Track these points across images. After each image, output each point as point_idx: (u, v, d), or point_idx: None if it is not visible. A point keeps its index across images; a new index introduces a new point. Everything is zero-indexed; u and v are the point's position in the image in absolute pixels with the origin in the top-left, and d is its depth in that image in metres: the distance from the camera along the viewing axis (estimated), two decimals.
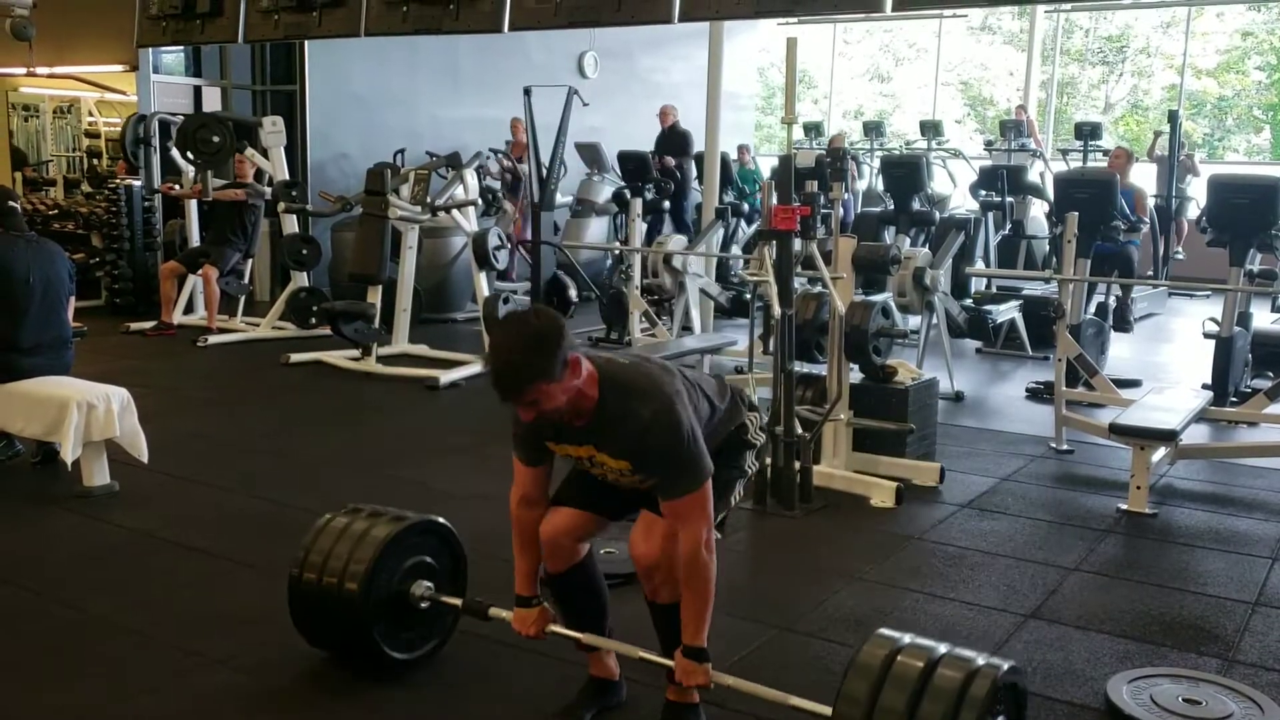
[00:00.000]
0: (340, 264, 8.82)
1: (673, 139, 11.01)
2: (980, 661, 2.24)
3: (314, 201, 8.81)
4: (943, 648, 2.30)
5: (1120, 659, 3.19)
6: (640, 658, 2.60)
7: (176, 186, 8.96)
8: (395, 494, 3.01)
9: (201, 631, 3.26)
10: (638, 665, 2.86)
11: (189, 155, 8.30)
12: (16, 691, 2.92)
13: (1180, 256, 11.29)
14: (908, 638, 2.34)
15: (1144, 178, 10.15)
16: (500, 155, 10.73)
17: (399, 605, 2.90)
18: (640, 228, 7.97)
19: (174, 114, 9.49)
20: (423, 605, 2.91)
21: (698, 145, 10.05)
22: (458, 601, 2.91)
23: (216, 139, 8.17)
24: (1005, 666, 2.24)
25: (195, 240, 9.01)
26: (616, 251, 9.07)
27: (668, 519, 2.46)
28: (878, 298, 5.32)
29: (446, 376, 6.79)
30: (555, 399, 2.33)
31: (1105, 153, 10.89)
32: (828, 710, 2.30)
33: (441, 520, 3.04)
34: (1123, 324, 7.40)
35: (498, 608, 2.82)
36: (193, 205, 9.07)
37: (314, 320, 8.00)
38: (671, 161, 10.58)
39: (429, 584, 2.93)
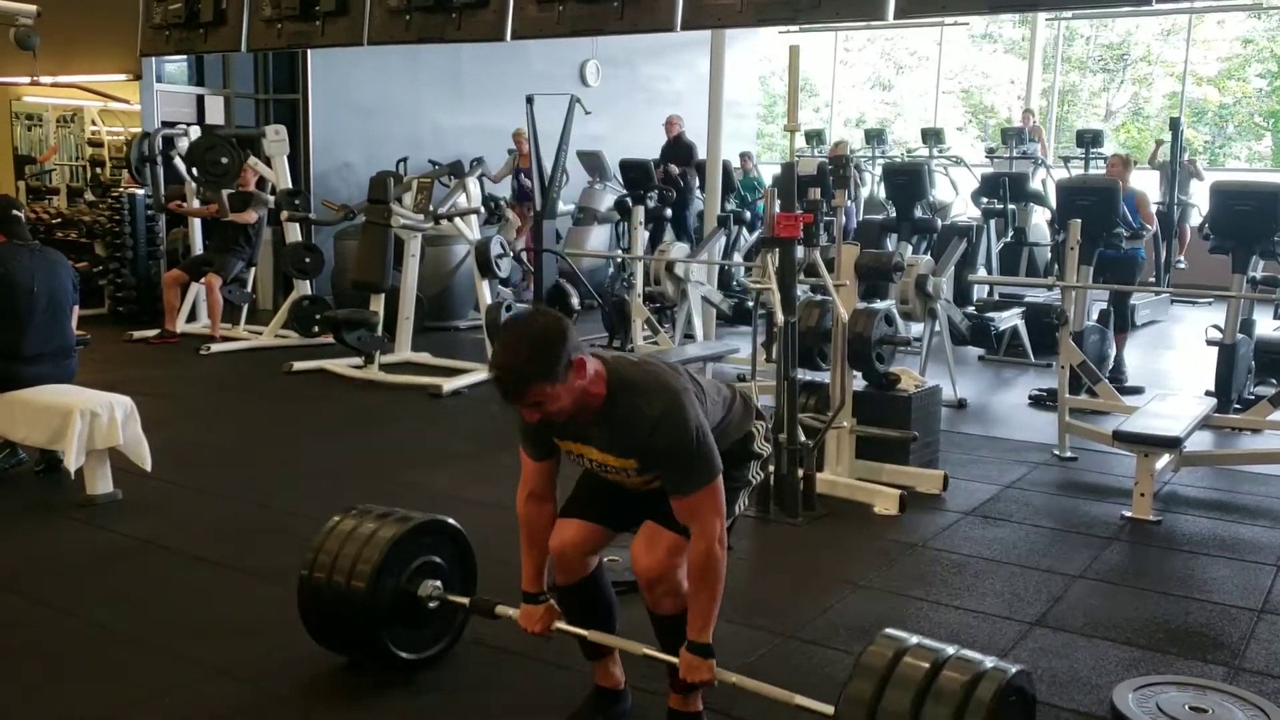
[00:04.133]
0: (343, 272, 8.84)
1: (678, 149, 11.03)
2: (987, 664, 2.22)
3: (317, 210, 8.82)
4: (950, 649, 2.27)
5: (1126, 666, 3.18)
6: (645, 654, 2.60)
7: (184, 203, 8.99)
8: (399, 501, 3.00)
9: (204, 639, 3.25)
10: (642, 675, 2.86)
11: (195, 174, 8.46)
12: (18, 699, 2.91)
13: (1183, 266, 11.25)
14: (914, 639, 2.31)
15: (1146, 185, 10.13)
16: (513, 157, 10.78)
17: (408, 605, 2.88)
18: (642, 236, 7.98)
19: (176, 124, 9.52)
20: (431, 605, 2.90)
21: (700, 153, 10.06)
22: (465, 601, 2.91)
23: (225, 160, 8.32)
24: (1013, 670, 2.21)
25: (198, 248, 9.03)
26: (619, 259, 9.06)
27: (680, 514, 2.44)
28: (880, 305, 5.32)
29: (449, 384, 6.79)
30: (559, 400, 2.32)
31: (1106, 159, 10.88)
32: (830, 709, 2.29)
33: (450, 520, 3.03)
34: (1119, 373, 7.43)
35: (505, 606, 2.83)
36: None
37: (317, 328, 8.02)
38: (676, 170, 10.58)
39: (437, 584, 2.91)
